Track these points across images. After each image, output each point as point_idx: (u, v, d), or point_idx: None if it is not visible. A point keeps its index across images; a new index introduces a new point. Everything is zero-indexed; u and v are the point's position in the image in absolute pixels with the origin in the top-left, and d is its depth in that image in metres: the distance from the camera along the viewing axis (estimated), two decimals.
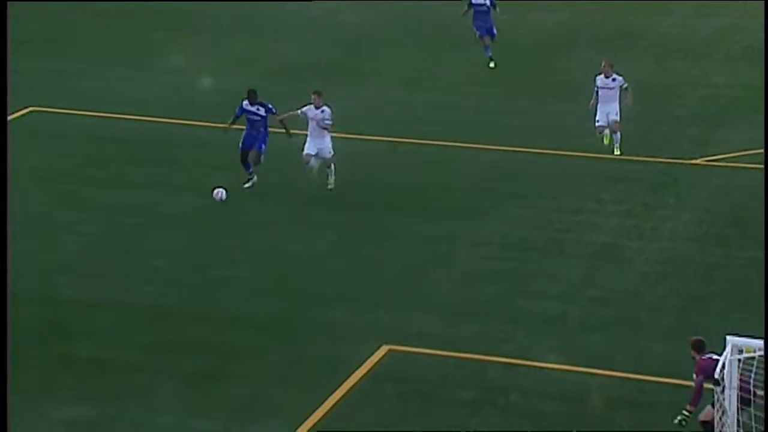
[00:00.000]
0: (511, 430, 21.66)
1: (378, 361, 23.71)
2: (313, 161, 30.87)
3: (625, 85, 33.11)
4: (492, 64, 40.31)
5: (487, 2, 39.52)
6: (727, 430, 18.01)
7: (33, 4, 50.66)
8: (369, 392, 22.87)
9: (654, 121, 36.75)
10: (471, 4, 40.22)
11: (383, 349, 23.98)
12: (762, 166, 32.34)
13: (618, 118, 33.17)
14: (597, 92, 33.42)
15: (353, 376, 23.18)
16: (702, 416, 20.43)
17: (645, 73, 41.73)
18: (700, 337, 20.27)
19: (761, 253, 28.05)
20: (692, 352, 20.14)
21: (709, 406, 20.15)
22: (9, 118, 35.16)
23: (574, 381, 23.24)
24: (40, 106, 38.36)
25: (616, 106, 33.23)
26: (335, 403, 22.33)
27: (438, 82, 41.81)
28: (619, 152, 33.20)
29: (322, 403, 22.20)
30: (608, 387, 22.84)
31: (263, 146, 31.25)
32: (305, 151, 30.75)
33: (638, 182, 32.62)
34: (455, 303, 26.54)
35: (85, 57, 44.35)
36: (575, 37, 47.04)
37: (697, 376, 19.90)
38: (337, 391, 22.61)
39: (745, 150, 34.60)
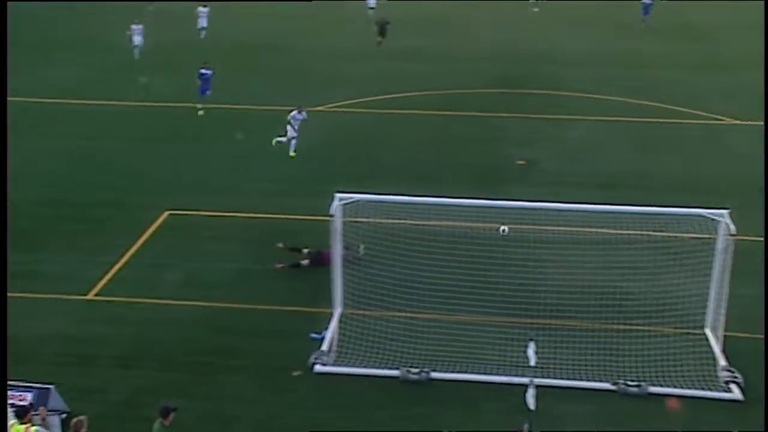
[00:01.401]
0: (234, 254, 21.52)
1: (164, 220, 23.68)
2: None
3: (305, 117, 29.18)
4: None
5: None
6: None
7: None
8: (159, 235, 22.82)
9: (301, 90, 36.78)
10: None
11: (166, 213, 23.96)
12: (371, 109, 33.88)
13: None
14: (291, 122, 28.72)
15: (151, 227, 23.13)
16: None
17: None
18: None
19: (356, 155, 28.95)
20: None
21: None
22: None
23: (265, 224, 23.21)
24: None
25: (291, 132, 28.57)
26: (144, 241, 22.38)
27: None
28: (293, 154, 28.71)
29: (134, 242, 22.21)
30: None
31: None
32: None
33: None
34: (214, 187, 26.14)
35: None
36: None
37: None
38: (144, 235, 22.65)
39: (344, 100, 35.46)
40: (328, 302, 18.29)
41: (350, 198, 17.75)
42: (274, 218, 23.81)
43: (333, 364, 17.03)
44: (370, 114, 34.14)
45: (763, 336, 17.75)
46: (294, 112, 29.24)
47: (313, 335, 17.90)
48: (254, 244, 22.37)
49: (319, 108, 34.30)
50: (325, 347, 17.43)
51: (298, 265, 20.79)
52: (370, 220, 19.37)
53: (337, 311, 18.32)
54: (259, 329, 18.53)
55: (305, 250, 21.02)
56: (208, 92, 33.51)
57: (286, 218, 23.71)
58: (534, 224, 20.00)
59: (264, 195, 25.61)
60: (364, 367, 16.86)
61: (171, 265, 21.28)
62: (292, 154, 28.85)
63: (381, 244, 19.46)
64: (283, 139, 28.92)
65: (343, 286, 18.21)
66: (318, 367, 16.96)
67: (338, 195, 17.80)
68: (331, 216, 17.71)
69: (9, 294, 17.95)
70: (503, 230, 21.06)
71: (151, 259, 21.64)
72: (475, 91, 37.54)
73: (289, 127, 28.99)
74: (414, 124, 33.10)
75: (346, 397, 16.23)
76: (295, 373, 16.86)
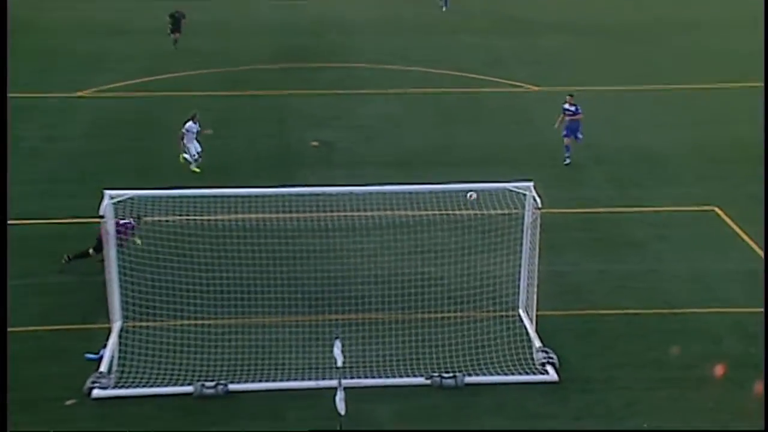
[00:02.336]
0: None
1: None
2: None
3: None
4: (567, 162, 27.35)
5: (573, 109, 27.55)
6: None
7: None
8: None
9: (60, 73, 35.60)
10: (563, 110, 27.86)
11: None
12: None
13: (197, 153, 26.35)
14: (183, 135, 26.06)
15: None
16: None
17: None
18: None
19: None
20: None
21: None
22: None
23: (54, 232, 22.37)
24: None
25: (194, 145, 26.28)
26: None
27: None
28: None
29: None
30: None
31: None
32: None
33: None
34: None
35: None
36: None
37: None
38: None
39: (111, 83, 34.42)
40: (106, 316, 17.66)
41: (123, 195, 17.21)
42: (35, 224, 22.80)
43: (114, 387, 16.37)
44: (141, 98, 33.19)
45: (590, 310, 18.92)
46: (189, 123, 26.50)
47: (89, 356, 17.29)
48: (14, 255, 20.73)
49: (82, 93, 33.22)
50: (103, 368, 16.83)
51: (87, 254, 20.04)
52: (149, 218, 19.11)
53: (117, 325, 17.76)
54: (23, 354, 17.36)
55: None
56: None
57: (50, 223, 22.87)
58: (332, 211, 19.94)
59: (21, 198, 23.89)
60: (152, 386, 16.39)
61: None
62: (195, 169, 26.22)
63: (163, 245, 18.88)
64: (189, 156, 26.41)
65: (121, 297, 17.66)
66: (96, 392, 16.29)
67: (108, 192, 17.20)
68: (102, 217, 17.08)
69: None
70: (471, 197, 18.55)
71: None
72: (259, 67, 37.18)
73: (187, 142, 26.37)
74: (194, 106, 32.07)
75: (131, 422, 15.65)
76: (69, 403, 16.07)
